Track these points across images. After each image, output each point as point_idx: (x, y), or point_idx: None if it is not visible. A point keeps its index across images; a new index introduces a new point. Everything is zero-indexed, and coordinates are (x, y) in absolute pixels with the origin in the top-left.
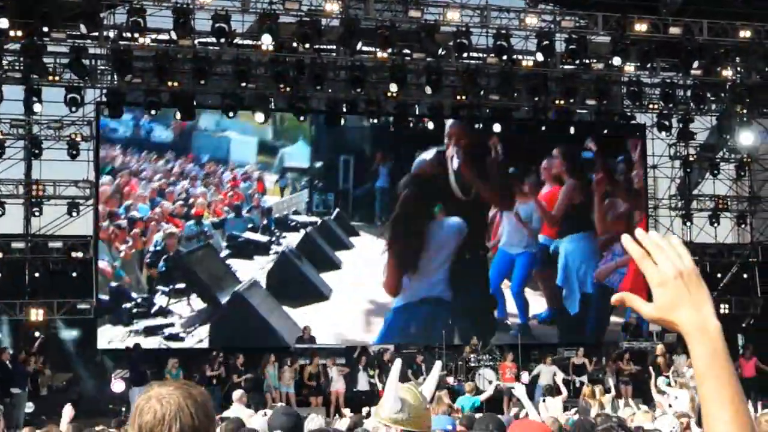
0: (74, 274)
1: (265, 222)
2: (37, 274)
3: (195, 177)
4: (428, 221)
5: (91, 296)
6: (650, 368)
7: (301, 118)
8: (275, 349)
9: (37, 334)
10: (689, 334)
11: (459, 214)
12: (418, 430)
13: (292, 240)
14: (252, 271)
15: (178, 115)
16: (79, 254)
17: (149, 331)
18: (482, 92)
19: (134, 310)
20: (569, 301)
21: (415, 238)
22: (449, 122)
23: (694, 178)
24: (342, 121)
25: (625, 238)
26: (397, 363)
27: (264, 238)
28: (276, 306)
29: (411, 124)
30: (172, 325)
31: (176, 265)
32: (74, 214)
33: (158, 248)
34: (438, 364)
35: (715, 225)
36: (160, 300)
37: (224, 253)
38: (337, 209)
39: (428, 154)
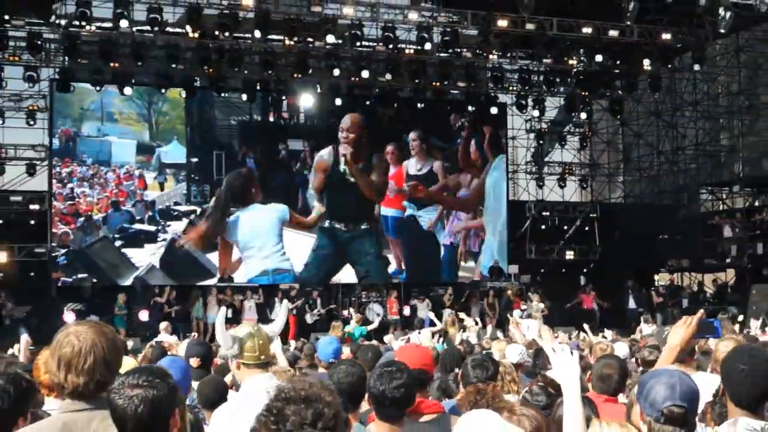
0: (32, 222)
1: (149, 214)
2: (0, 221)
3: (82, 178)
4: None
5: (47, 241)
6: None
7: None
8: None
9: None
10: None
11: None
12: (255, 362)
13: (177, 227)
14: (145, 257)
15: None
16: (36, 206)
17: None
18: (372, 75)
19: None
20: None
21: None
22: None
23: (546, 148)
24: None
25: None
26: (222, 310)
27: (152, 228)
28: (174, 285)
29: (272, 118)
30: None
31: (77, 258)
32: (32, 172)
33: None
34: (285, 302)
35: (563, 186)
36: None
37: (117, 243)
38: (214, 197)
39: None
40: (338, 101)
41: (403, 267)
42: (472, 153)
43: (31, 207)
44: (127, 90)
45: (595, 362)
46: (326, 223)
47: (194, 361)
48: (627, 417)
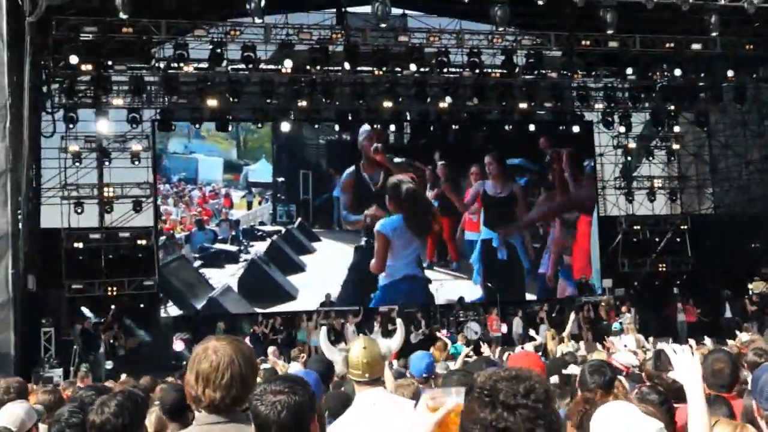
0: (140, 256)
1: (233, 233)
2: (111, 256)
3: (166, 196)
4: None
5: (155, 274)
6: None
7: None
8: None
9: (112, 306)
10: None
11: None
12: (360, 379)
13: (259, 248)
14: (223, 278)
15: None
16: (143, 241)
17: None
18: (460, 99)
19: None
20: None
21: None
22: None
23: (634, 163)
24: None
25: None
26: (323, 330)
27: (233, 248)
28: (248, 308)
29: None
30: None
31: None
32: (138, 209)
33: None
34: (400, 321)
35: (652, 200)
36: None
37: (197, 263)
38: (299, 218)
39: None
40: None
41: (489, 285)
42: (562, 171)
43: (139, 242)
44: (227, 127)
45: (705, 358)
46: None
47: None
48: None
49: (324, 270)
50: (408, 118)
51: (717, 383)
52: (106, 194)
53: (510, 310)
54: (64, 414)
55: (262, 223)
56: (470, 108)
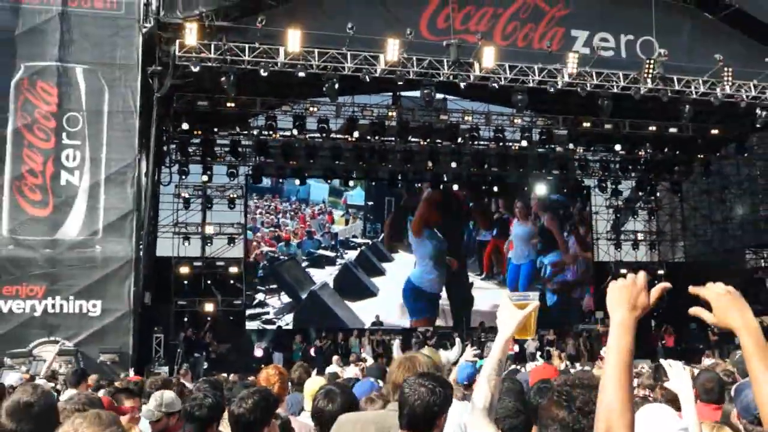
0: (232, 282)
1: (333, 243)
2: (209, 282)
3: (285, 212)
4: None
5: (242, 295)
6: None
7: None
8: (355, 328)
9: (208, 319)
10: (737, 329)
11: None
12: None
13: (351, 255)
14: (323, 276)
15: (297, 182)
16: (235, 269)
17: (251, 318)
18: (486, 166)
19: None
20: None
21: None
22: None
23: (622, 220)
24: (399, 185)
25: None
26: (396, 342)
27: (332, 254)
28: (340, 300)
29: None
30: (267, 313)
31: (271, 272)
32: (232, 244)
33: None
34: (458, 340)
35: (636, 250)
36: (259, 296)
37: (304, 264)
38: (383, 234)
39: None
40: (456, 187)
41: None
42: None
43: (231, 270)
44: (304, 182)
45: (697, 378)
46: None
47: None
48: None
49: (399, 275)
50: (445, 179)
51: (709, 398)
52: (207, 231)
53: None
54: (199, 395)
55: (354, 236)
56: (495, 173)
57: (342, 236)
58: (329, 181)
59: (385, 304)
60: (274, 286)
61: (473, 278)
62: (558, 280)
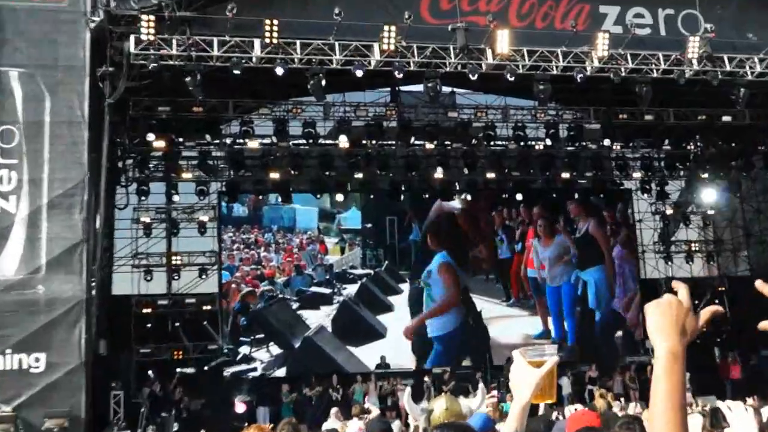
0: (205, 323)
1: (327, 277)
2: (177, 324)
3: (268, 245)
4: None
5: (219, 338)
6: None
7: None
8: (359, 373)
9: (178, 370)
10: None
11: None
12: None
13: (351, 290)
14: (319, 318)
15: (279, 198)
16: (208, 307)
17: (229, 364)
18: (506, 170)
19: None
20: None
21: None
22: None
23: (672, 228)
24: (401, 197)
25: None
26: (407, 390)
27: (327, 291)
28: (341, 346)
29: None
30: (254, 369)
31: (255, 319)
32: (203, 277)
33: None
34: (481, 385)
35: (690, 263)
36: (243, 350)
37: (295, 305)
38: (386, 262)
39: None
40: (469, 197)
41: (551, 326)
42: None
43: (204, 307)
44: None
45: None
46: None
47: None
48: None
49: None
50: (457, 188)
51: None
52: (174, 262)
53: (558, 370)
54: None
55: (353, 267)
56: (516, 178)
57: (338, 268)
58: (318, 196)
59: (395, 344)
60: (261, 335)
61: (495, 305)
62: (602, 301)
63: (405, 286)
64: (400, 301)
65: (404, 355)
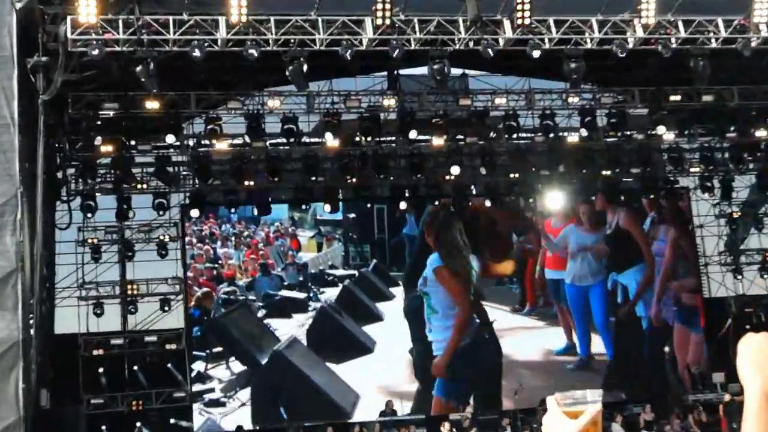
0: (169, 365)
1: (301, 279)
2: (135, 367)
3: (226, 238)
4: None
5: (187, 383)
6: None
7: (368, 205)
8: (359, 424)
9: (138, 424)
10: None
11: None
12: None
13: (330, 295)
14: (291, 329)
15: (256, 211)
16: (173, 346)
17: (196, 396)
18: (533, 168)
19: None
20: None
21: None
22: None
23: (740, 234)
24: (403, 205)
25: None
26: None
27: (301, 295)
28: (318, 362)
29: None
30: (212, 390)
31: (211, 328)
32: (166, 309)
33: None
34: None
35: (765, 277)
36: (197, 366)
37: (260, 313)
38: (374, 260)
39: None
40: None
41: (575, 341)
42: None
43: (168, 346)
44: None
45: None
46: None
47: None
48: None
49: (404, 319)
50: (473, 192)
51: None
52: (129, 292)
53: (605, 414)
54: None
55: (333, 267)
56: (545, 178)
57: (314, 268)
58: (304, 207)
59: (386, 362)
60: (219, 349)
61: (504, 314)
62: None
63: (397, 291)
64: (391, 309)
65: (400, 377)
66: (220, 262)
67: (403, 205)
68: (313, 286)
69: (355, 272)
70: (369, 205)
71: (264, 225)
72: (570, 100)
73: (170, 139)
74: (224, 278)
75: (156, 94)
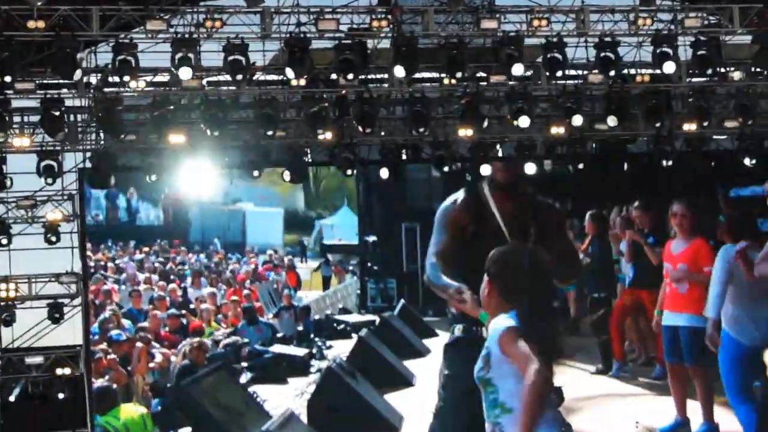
0: (60, 396)
1: (300, 328)
2: (12, 399)
3: (198, 273)
4: None
5: (85, 426)
6: None
7: (348, 172)
8: None
9: None
10: None
11: None
12: None
13: (340, 350)
14: (286, 399)
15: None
16: (66, 371)
17: None
18: (585, 122)
19: None
20: None
21: None
22: None
23: None
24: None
25: None
26: None
27: (301, 352)
28: None
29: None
30: None
31: (177, 400)
32: (57, 320)
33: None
34: None
35: None
36: None
37: (244, 377)
38: (402, 301)
39: None
40: (529, 167)
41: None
42: None
43: (59, 371)
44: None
45: None
46: None
47: None
48: None
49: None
50: (500, 153)
51: None
52: (3, 295)
53: None
54: None
55: (344, 311)
56: (602, 135)
57: (319, 312)
58: (256, 174)
59: None
60: (185, 429)
61: (581, 372)
62: None
63: (433, 343)
64: (425, 368)
65: None
66: (191, 306)
67: (384, 173)
68: (317, 339)
69: (375, 318)
70: (397, 223)
71: (251, 252)
72: (639, 22)
73: (63, 74)
74: (189, 331)
75: (42, 10)
